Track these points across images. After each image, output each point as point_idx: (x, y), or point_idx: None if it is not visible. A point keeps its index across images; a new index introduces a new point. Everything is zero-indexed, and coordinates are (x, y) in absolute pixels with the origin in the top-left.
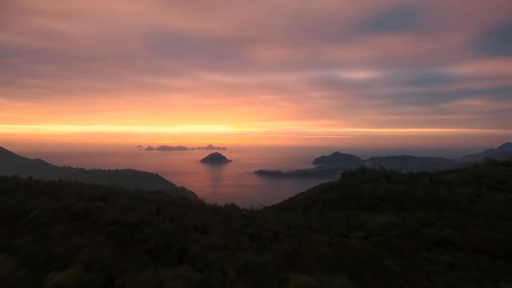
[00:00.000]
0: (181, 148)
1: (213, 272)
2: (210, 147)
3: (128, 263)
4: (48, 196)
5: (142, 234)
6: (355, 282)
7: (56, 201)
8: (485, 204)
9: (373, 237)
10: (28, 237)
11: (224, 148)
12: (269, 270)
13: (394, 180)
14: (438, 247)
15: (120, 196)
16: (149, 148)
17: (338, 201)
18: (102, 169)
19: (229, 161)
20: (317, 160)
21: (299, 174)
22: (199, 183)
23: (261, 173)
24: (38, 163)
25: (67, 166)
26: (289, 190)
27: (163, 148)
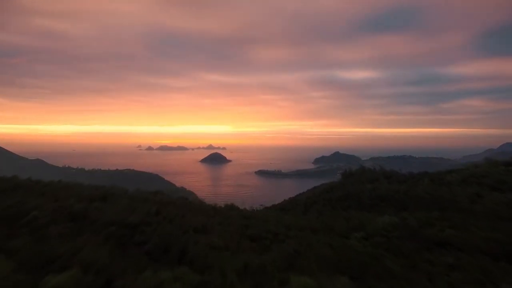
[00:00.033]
0: (181, 148)
1: (212, 274)
2: (210, 147)
3: (127, 264)
4: (47, 196)
5: (142, 235)
6: (356, 283)
7: (55, 202)
8: (485, 204)
9: (373, 238)
10: (27, 238)
11: (224, 148)
12: (269, 272)
13: (394, 180)
14: (439, 248)
15: (119, 196)
16: (149, 148)
17: (338, 201)
18: (102, 169)
19: (229, 161)
20: (317, 160)
21: (299, 174)
22: (199, 183)
23: (261, 173)
24: (38, 163)
25: (67, 166)
26: (289, 190)
27: (163, 148)
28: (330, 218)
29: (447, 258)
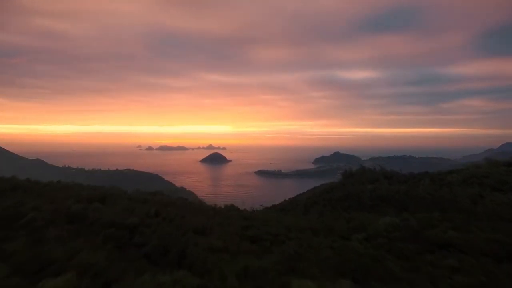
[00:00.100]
0: (181, 148)
1: (212, 277)
2: (210, 147)
3: (125, 267)
4: (46, 197)
5: (140, 237)
6: (358, 286)
7: (53, 203)
8: (487, 205)
9: (375, 239)
10: (23, 240)
11: (224, 148)
12: (270, 275)
13: (394, 180)
14: (442, 250)
15: (119, 197)
16: (149, 148)
17: (338, 202)
18: (102, 169)
19: (229, 161)
20: (317, 160)
21: (299, 174)
22: (199, 183)
23: (261, 173)
24: (38, 163)
25: (67, 166)
26: (289, 190)
27: (163, 148)
28: (331, 219)
29: (450, 260)
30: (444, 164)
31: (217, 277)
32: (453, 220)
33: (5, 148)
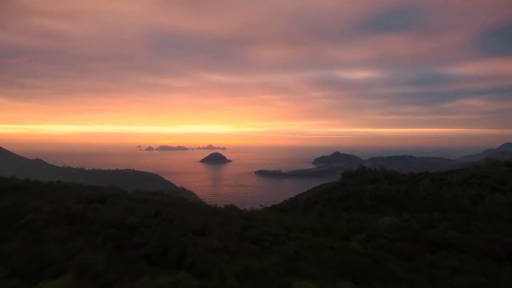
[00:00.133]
0: (181, 148)
1: (212, 278)
2: (210, 147)
3: (124, 269)
4: (45, 197)
5: (140, 237)
6: (358, 287)
7: (53, 203)
8: (487, 205)
9: (375, 239)
10: (22, 241)
11: (224, 148)
12: (270, 276)
13: (394, 180)
14: (442, 250)
15: (118, 197)
16: (149, 148)
17: (338, 202)
18: (102, 169)
19: (229, 161)
20: (317, 160)
21: (299, 174)
22: (199, 183)
23: (261, 173)
24: (38, 163)
25: (67, 166)
26: (289, 190)
27: (163, 148)
28: (331, 219)
29: (450, 261)
30: (444, 164)
31: (217, 277)
32: (453, 220)
33: (5, 148)
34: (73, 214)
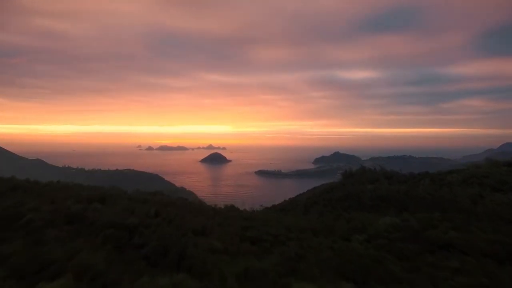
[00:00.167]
0: (181, 148)
1: (212, 279)
2: (210, 147)
3: (124, 270)
4: (45, 197)
5: (140, 238)
6: None
7: (53, 203)
8: (487, 205)
9: (375, 240)
10: (21, 242)
11: (224, 148)
12: (270, 277)
13: (394, 180)
14: (442, 251)
15: (118, 197)
16: (149, 148)
17: (338, 202)
18: (102, 169)
19: (229, 161)
20: (317, 160)
21: (299, 174)
22: (199, 183)
23: (261, 173)
24: (38, 163)
25: (67, 166)
26: (289, 190)
27: (163, 148)
28: (331, 219)
29: (452, 262)
30: (444, 164)
31: (217, 278)
32: (453, 220)
33: (5, 148)
34: (73, 214)
